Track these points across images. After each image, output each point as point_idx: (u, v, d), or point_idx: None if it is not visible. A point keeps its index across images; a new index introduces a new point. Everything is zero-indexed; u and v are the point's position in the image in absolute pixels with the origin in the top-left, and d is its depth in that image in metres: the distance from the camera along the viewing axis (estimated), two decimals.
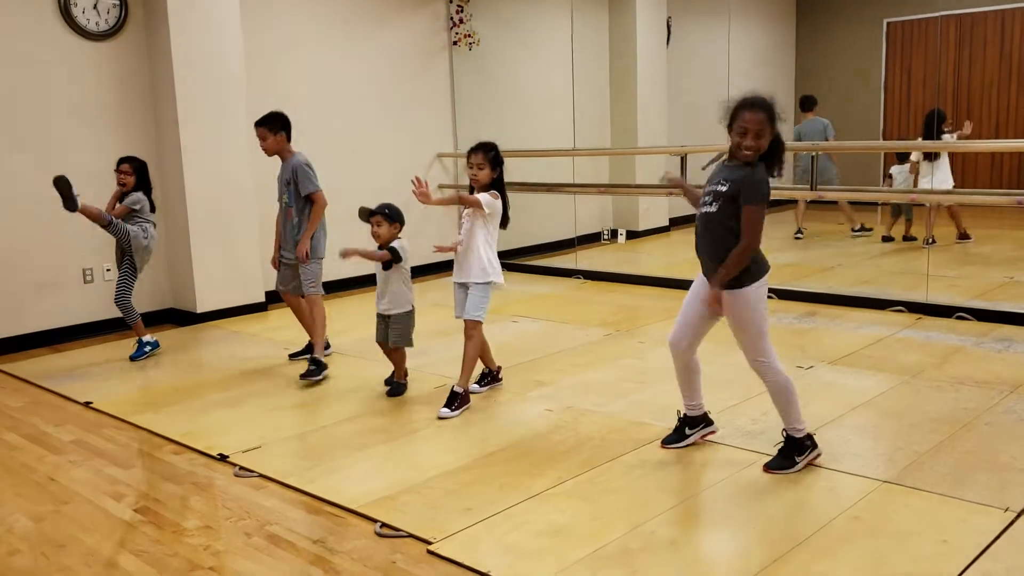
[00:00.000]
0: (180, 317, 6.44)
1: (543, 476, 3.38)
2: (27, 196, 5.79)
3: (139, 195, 5.33)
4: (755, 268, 3.28)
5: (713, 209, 3.27)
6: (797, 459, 3.34)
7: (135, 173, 5.34)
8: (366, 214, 4.45)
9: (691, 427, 3.66)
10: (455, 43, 8.23)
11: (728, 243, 3.25)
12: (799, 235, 9.02)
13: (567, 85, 8.65)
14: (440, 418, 4.11)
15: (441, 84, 8.23)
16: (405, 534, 2.96)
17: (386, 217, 4.39)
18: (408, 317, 4.47)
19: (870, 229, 9.07)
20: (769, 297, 6.17)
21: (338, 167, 6.96)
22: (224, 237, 6.43)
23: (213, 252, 6.34)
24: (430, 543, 2.88)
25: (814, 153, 6.87)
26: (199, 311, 6.34)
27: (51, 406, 4.64)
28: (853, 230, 9.08)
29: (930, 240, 7.98)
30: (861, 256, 8.15)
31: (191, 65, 6.19)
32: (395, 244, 4.39)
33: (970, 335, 5.23)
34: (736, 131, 3.21)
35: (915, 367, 4.62)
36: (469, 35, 8.29)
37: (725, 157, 3.35)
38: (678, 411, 3.68)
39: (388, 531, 3.00)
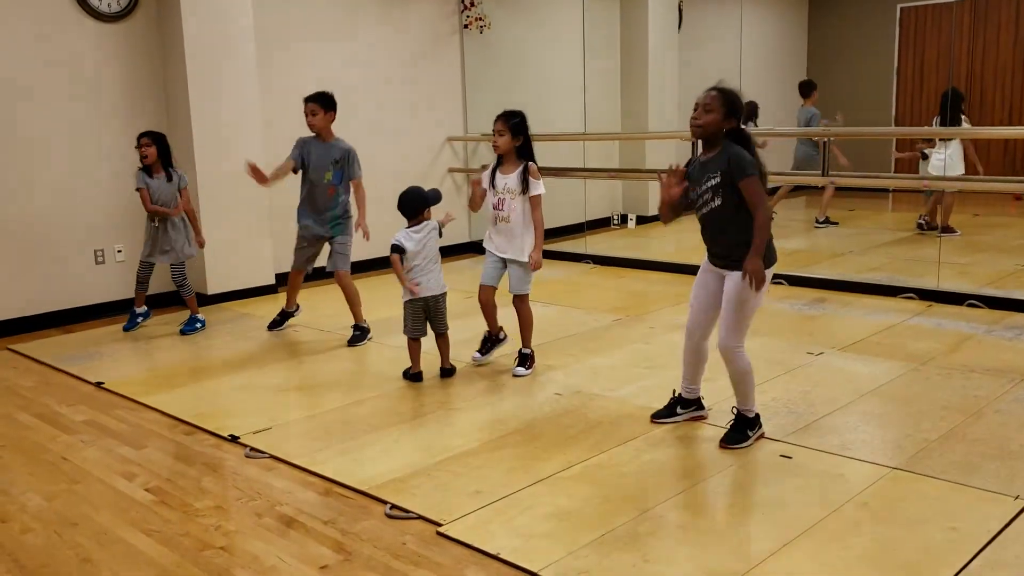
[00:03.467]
0: None
1: (552, 460, 3.39)
2: (38, 177, 5.80)
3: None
4: (768, 254, 3.31)
5: (717, 203, 3.31)
6: (749, 433, 3.45)
7: (154, 144, 5.43)
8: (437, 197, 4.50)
9: (683, 407, 3.73)
10: (466, 27, 8.20)
11: (741, 232, 3.26)
12: (821, 224, 8.94)
13: (578, 69, 8.62)
14: (516, 376, 4.43)
15: (451, 68, 8.20)
16: (415, 516, 2.98)
17: None
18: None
19: (836, 223, 8.99)
20: (779, 283, 6.24)
21: None
22: (234, 219, 6.44)
23: (223, 234, 6.35)
24: (440, 525, 2.89)
25: (825, 139, 6.83)
26: (209, 293, 6.36)
27: (63, 386, 4.67)
28: (818, 221, 8.96)
29: (943, 227, 7.93)
30: (872, 243, 8.12)
31: (202, 46, 6.18)
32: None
33: (981, 323, 5.22)
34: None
35: (925, 354, 4.61)
36: (480, 19, 8.25)
37: (700, 154, 3.43)
38: (674, 390, 3.77)
39: (398, 513, 3.01)
